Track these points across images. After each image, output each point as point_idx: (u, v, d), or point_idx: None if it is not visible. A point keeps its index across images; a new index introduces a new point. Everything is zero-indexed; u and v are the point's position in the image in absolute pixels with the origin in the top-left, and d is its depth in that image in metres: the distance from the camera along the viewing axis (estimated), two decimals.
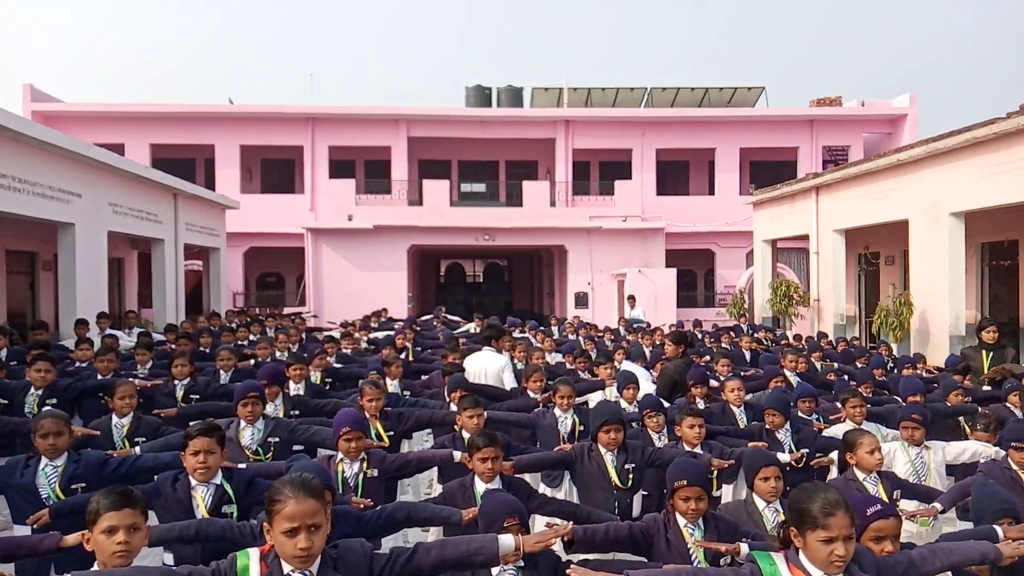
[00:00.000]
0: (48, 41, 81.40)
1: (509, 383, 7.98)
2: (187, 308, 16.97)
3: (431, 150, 25.16)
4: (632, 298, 18.53)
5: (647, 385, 7.94)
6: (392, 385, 7.45)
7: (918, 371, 10.49)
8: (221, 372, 7.76)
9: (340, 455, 4.44)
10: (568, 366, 9.60)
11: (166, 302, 15.53)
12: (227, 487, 3.97)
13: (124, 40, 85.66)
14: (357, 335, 12.85)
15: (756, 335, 13.93)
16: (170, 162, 21.15)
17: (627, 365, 8.65)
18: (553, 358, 10.43)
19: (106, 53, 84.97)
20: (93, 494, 3.06)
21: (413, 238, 21.69)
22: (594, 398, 7.61)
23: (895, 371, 10.58)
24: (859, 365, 10.03)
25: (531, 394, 6.87)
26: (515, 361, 8.88)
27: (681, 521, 3.60)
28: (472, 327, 15.71)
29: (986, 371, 8.24)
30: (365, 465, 4.47)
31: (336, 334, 12.46)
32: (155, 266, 15.79)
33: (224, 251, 19.47)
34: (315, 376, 8.13)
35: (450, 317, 16.45)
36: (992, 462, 4.74)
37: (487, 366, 7.97)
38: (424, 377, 8.53)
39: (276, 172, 25.60)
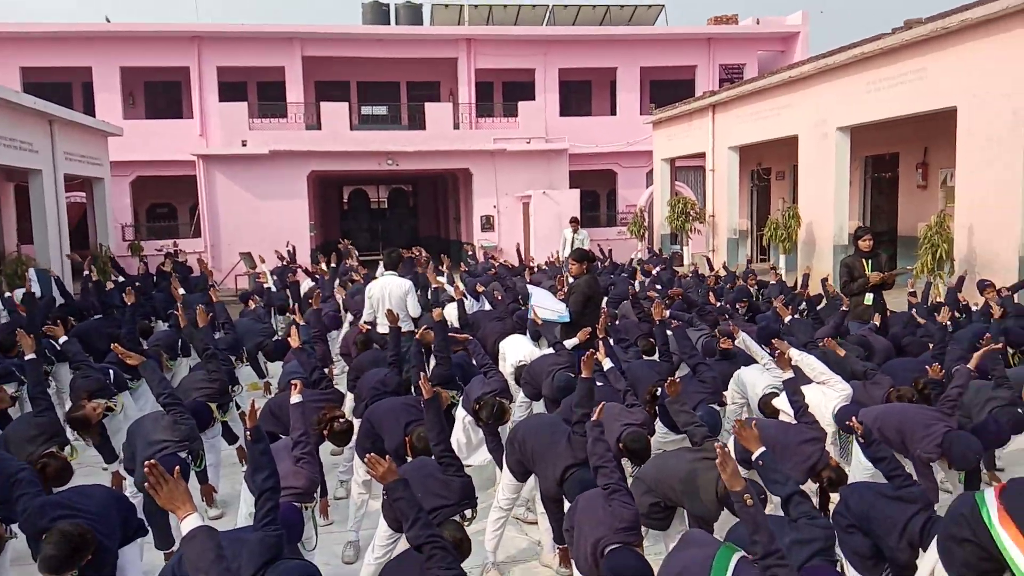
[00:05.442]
0: None
1: (412, 307, 8.03)
2: (72, 242, 16.07)
3: (328, 71, 24.21)
4: (575, 220, 16.28)
5: (556, 304, 8.08)
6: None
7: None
8: None
9: None
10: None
11: (48, 237, 14.65)
12: None
13: None
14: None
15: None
16: (44, 86, 19.64)
17: (532, 288, 8.81)
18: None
19: None
20: None
21: (312, 163, 21.00)
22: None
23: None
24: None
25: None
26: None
27: None
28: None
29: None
30: None
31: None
32: (33, 199, 14.78)
33: (109, 181, 18.38)
34: None
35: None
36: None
37: (391, 291, 7.97)
38: None
39: (161, 96, 24.13)
